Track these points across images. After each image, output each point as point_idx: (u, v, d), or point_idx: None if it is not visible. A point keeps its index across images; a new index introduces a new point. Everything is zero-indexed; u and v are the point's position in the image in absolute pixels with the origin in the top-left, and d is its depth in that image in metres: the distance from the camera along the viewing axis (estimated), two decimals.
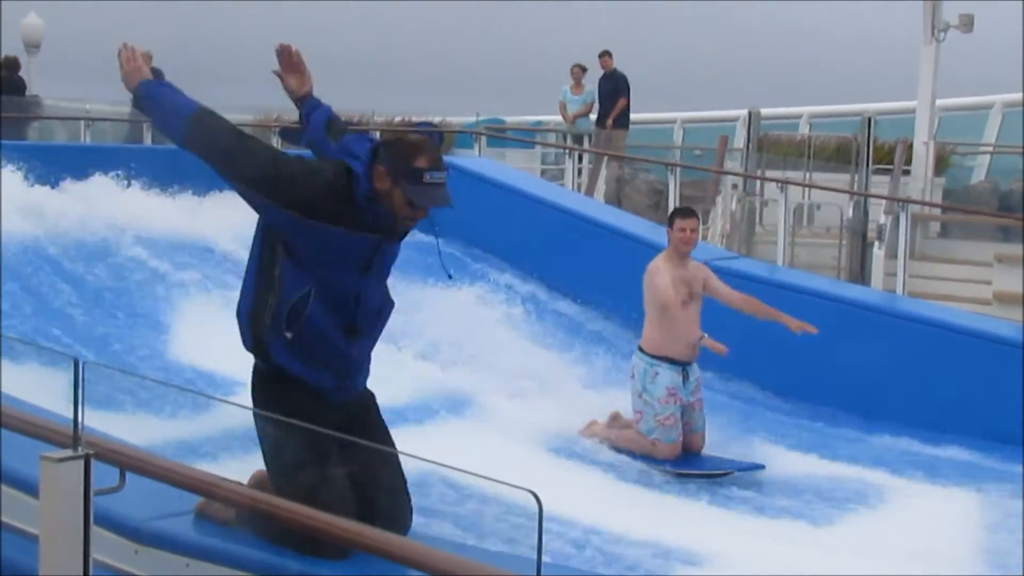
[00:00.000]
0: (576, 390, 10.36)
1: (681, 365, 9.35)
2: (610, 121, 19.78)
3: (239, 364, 9.22)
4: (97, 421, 5.03)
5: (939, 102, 18.54)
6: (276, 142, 18.32)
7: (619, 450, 9.43)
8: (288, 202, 4.81)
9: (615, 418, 9.71)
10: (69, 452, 3.44)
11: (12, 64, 20.28)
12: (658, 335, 9.36)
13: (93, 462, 3.47)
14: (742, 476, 9.13)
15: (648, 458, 9.28)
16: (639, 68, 21.08)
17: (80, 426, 3.52)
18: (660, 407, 9.29)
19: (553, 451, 9.31)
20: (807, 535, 7.92)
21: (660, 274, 9.34)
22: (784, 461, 9.50)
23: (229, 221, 13.02)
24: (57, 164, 12.94)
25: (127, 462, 3.82)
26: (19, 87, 19.92)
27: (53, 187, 12.57)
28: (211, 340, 10.20)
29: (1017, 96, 21.43)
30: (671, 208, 14.95)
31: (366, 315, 5.09)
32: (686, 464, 9.29)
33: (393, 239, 5.10)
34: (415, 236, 5.58)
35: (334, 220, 4.85)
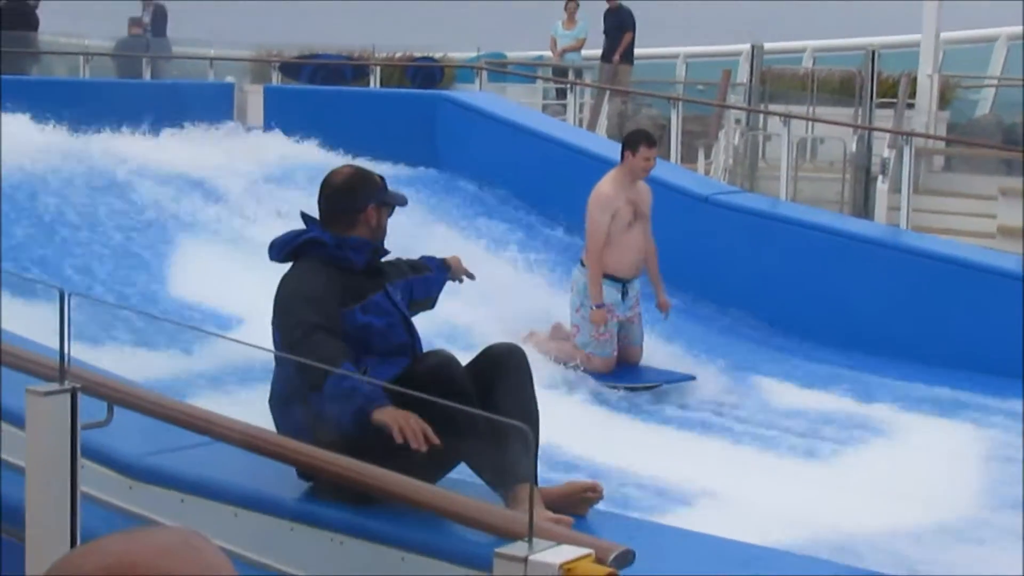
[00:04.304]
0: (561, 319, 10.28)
1: (621, 282, 9.52)
2: (616, 56, 19.67)
3: (238, 302, 9.29)
4: (88, 355, 5.00)
5: (943, 35, 18.40)
6: (276, 77, 18.22)
7: (559, 361, 9.49)
8: (334, 319, 4.90)
9: (557, 328, 9.84)
10: (55, 386, 3.39)
11: None
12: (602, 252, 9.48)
13: (80, 396, 3.41)
14: (731, 404, 9.13)
15: (583, 370, 9.42)
16: (642, 2, 20.91)
17: (67, 359, 3.47)
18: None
19: None
20: (807, 470, 7.89)
21: (600, 207, 9.48)
22: (787, 396, 9.48)
23: (227, 159, 12.99)
24: (57, 100, 12.88)
25: (114, 396, 3.77)
26: (33, 22, 19.72)
27: (52, 123, 12.51)
28: (213, 278, 10.20)
29: (1022, 28, 21.26)
30: (673, 143, 14.94)
31: (418, 342, 5.25)
32: (618, 377, 9.44)
33: (381, 254, 5.26)
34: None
35: (353, 292, 4.99)
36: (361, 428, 4.63)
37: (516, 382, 5.12)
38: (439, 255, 6.13)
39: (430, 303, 5.78)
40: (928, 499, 7.32)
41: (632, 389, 9.33)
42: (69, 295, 3.56)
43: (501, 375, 5.10)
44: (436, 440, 4.47)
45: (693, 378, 9.42)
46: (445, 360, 4.99)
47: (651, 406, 9.13)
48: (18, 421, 4.89)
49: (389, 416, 4.52)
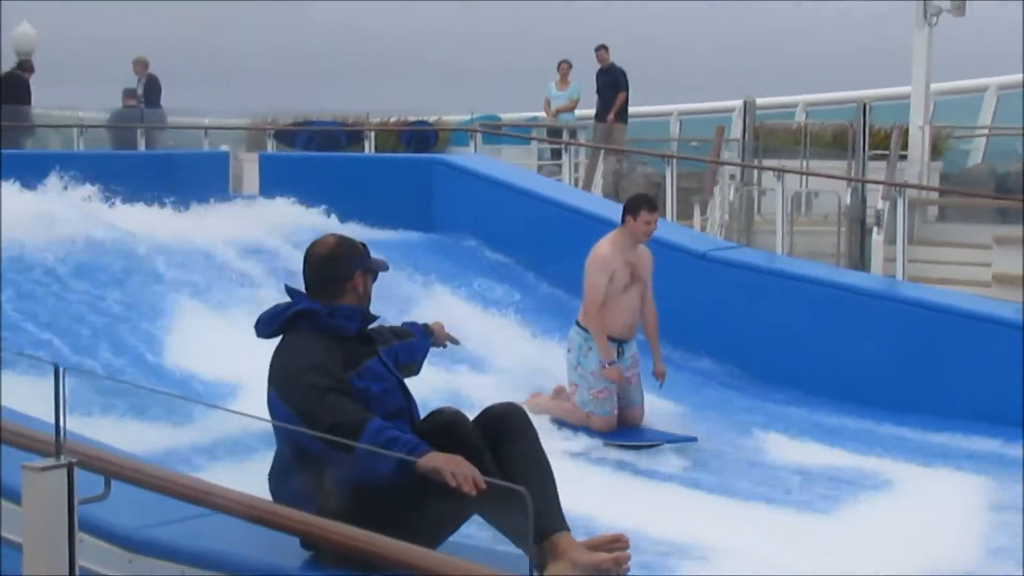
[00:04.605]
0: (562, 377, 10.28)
1: (617, 342, 9.56)
2: (611, 116, 19.77)
3: (234, 370, 9.27)
4: (88, 429, 4.98)
5: (934, 86, 18.52)
6: (271, 144, 18.30)
7: (560, 423, 9.56)
8: (341, 387, 4.90)
9: (559, 392, 9.81)
10: (52, 461, 3.38)
11: (28, 67, 20.17)
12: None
13: (77, 470, 3.41)
14: (732, 461, 9.10)
15: (584, 430, 9.45)
16: (634, 61, 21.05)
17: (62, 434, 3.47)
18: (594, 380, 9.49)
19: None
20: (812, 524, 7.85)
21: (598, 269, 9.51)
22: (789, 450, 9.45)
23: (222, 228, 13.01)
24: (52, 172, 12.90)
25: (111, 469, 3.77)
26: (26, 96, 19.80)
27: (48, 194, 12.54)
28: (206, 346, 10.18)
29: (1012, 78, 21.38)
30: (668, 201, 14.98)
31: (414, 404, 5.27)
32: (619, 436, 9.44)
33: (370, 319, 5.28)
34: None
35: (347, 360, 5.01)
36: (406, 476, 4.62)
37: (525, 439, 5.18)
38: (437, 318, 6.16)
39: (415, 369, 5.80)
40: (933, 550, 7.28)
41: (632, 447, 9.31)
42: (64, 370, 3.56)
43: (508, 433, 5.15)
44: (484, 485, 4.47)
45: (694, 439, 9.39)
46: (454, 418, 5.03)
47: (652, 464, 9.09)
48: (13, 496, 4.89)
49: (440, 461, 4.53)
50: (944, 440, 9.78)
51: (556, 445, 8.76)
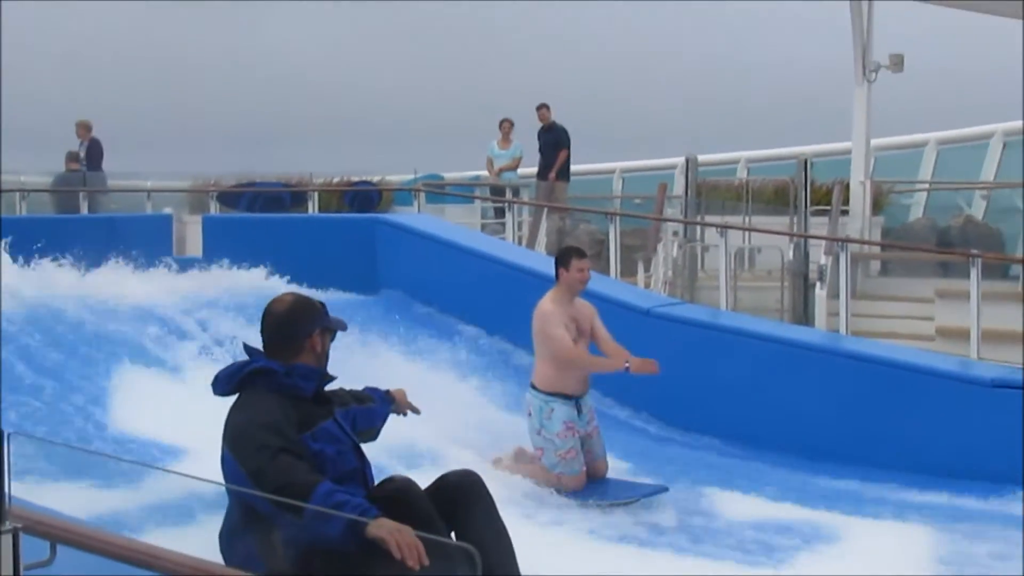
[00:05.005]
0: (513, 436, 10.26)
1: (574, 399, 9.53)
2: (552, 174, 19.84)
3: (180, 432, 9.21)
4: (33, 494, 4.93)
5: (874, 141, 18.71)
6: (214, 207, 18.26)
7: (530, 484, 9.44)
8: (293, 449, 4.89)
9: (520, 453, 9.81)
10: None
11: None
12: (551, 372, 9.52)
13: (22, 535, 3.38)
14: (683, 518, 9.08)
15: (556, 491, 9.38)
16: (575, 119, 21.17)
17: (8, 499, 3.43)
18: (560, 442, 9.45)
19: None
20: None
21: (552, 322, 9.50)
22: (734, 504, 9.45)
23: (166, 290, 12.96)
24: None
25: (57, 534, 3.72)
26: None
27: None
28: (151, 409, 10.11)
29: (951, 133, 21.65)
30: (612, 258, 15.04)
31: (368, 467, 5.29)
32: (593, 494, 9.38)
33: (327, 380, 5.28)
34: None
35: (302, 420, 5.02)
36: (354, 541, 4.60)
37: (482, 505, 5.19)
38: (380, 377, 6.15)
39: (373, 434, 5.79)
40: None
41: (609, 505, 9.22)
42: (8, 434, 3.53)
43: (464, 500, 5.15)
44: (426, 561, 4.44)
45: (666, 489, 9.39)
46: (405, 485, 5.03)
47: (606, 524, 9.03)
48: None
49: (385, 530, 4.49)
50: (890, 493, 9.82)
51: (522, 510, 8.74)
